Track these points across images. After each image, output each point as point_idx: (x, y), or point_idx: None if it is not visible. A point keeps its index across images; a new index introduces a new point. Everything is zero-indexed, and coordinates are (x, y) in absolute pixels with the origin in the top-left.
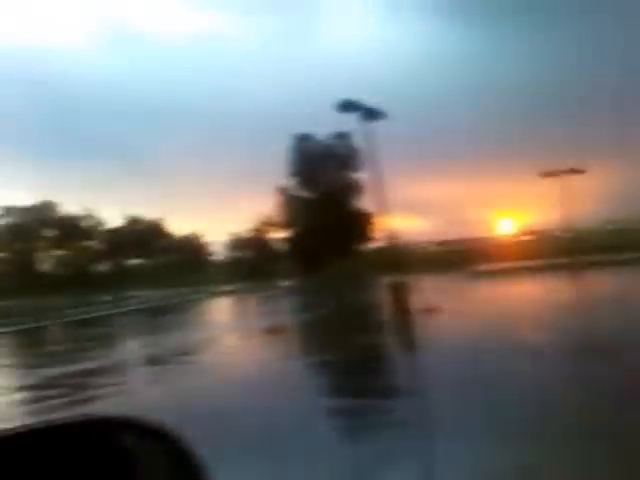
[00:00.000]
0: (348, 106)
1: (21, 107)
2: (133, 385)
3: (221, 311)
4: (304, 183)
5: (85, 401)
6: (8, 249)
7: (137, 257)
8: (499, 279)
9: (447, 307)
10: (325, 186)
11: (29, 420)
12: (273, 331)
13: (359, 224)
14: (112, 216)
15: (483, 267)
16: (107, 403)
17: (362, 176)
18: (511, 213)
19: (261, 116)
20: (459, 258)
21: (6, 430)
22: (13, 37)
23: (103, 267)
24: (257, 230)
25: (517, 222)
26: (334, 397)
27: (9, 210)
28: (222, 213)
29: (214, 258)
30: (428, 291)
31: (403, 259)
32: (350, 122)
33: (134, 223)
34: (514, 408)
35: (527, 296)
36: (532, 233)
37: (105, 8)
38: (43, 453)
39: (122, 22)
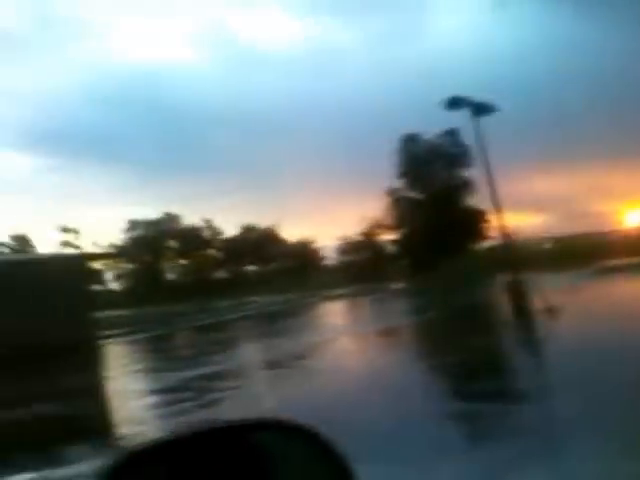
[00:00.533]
0: (456, 103)
1: (138, 126)
2: (255, 388)
3: (335, 314)
4: (413, 183)
5: (211, 404)
6: (136, 260)
7: (253, 264)
8: (624, 276)
9: (568, 306)
10: (435, 185)
11: (161, 423)
12: (388, 334)
13: (472, 222)
14: (229, 225)
15: (607, 263)
16: (231, 406)
17: (473, 173)
18: (633, 205)
19: (368, 118)
20: (580, 254)
21: (165, 436)
22: (125, 57)
23: (222, 274)
24: (367, 233)
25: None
26: (454, 401)
27: (135, 224)
28: (332, 218)
29: (326, 263)
30: (547, 290)
31: (519, 257)
32: (459, 119)
33: (249, 231)
34: None
35: None
36: None
37: (211, 22)
38: (201, 454)
39: (228, 34)
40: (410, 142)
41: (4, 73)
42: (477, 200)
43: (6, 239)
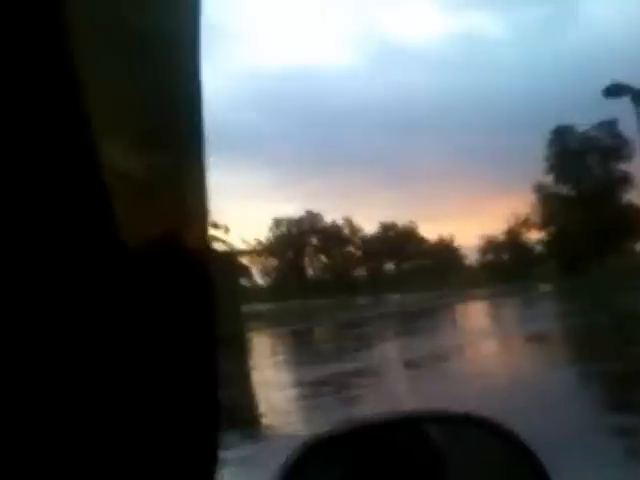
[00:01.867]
0: (616, 90)
1: (288, 125)
2: (393, 387)
3: (475, 315)
4: (564, 179)
5: (351, 400)
6: (280, 257)
7: (392, 261)
8: None
9: None
10: (589, 181)
11: (303, 415)
12: (535, 339)
13: (630, 221)
14: (369, 223)
15: None
16: (370, 403)
17: (632, 167)
18: None
19: (521, 112)
20: None
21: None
22: (283, 59)
23: (361, 272)
24: (512, 232)
25: None
26: (613, 413)
27: (279, 222)
28: (474, 217)
29: (468, 262)
30: None
31: None
32: (619, 110)
33: (388, 229)
34: None
35: None
36: None
37: (363, 22)
38: (380, 447)
39: (379, 33)
40: (563, 134)
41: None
42: (636, 196)
43: None
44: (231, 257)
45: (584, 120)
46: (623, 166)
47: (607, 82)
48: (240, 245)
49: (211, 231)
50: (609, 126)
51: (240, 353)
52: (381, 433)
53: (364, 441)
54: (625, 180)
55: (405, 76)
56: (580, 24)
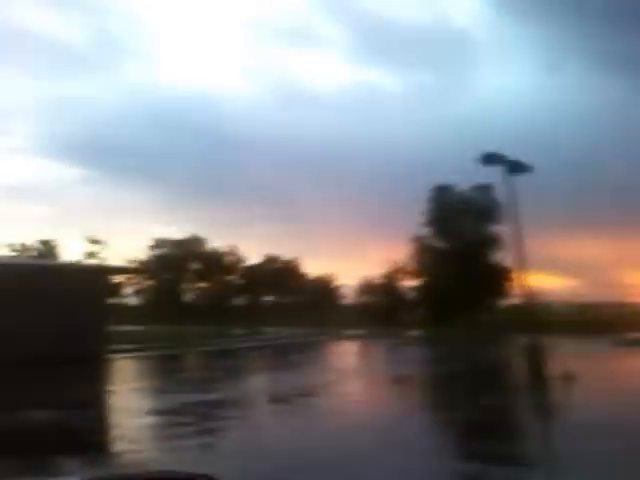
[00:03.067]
0: (491, 159)
1: (180, 148)
2: (254, 421)
3: (347, 354)
4: (440, 233)
5: (208, 431)
6: (156, 278)
7: (272, 294)
8: None
9: (586, 374)
10: (462, 237)
11: (154, 444)
12: (397, 381)
13: (495, 278)
14: (253, 254)
15: (630, 335)
16: (229, 436)
17: (502, 230)
18: None
19: (407, 164)
20: (603, 322)
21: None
22: (177, 81)
23: (240, 301)
24: (388, 276)
25: None
26: (457, 460)
27: (161, 242)
28: (355, 258)
29: (345, 301)
30: (566, 356)
31: (541, 319)
32: (495, 175)
33: (271, 261)
34: None
35: None
36: None
37: (267, 58)
38: None
39: (284, 72)
40: (442, 192)
41: (57, 84)
42: (503, 257)
43: (35, 244)
44: (102, 272)
45: (462, 181)
46: (493, 227)
47: (488, 148)
48: (115, 262)
49: (88, 245)
50: (485, 189)
51: (99, 374)
52: None
53: None
54: (494, 240)
55: (304, 115)
56: (469, 93)
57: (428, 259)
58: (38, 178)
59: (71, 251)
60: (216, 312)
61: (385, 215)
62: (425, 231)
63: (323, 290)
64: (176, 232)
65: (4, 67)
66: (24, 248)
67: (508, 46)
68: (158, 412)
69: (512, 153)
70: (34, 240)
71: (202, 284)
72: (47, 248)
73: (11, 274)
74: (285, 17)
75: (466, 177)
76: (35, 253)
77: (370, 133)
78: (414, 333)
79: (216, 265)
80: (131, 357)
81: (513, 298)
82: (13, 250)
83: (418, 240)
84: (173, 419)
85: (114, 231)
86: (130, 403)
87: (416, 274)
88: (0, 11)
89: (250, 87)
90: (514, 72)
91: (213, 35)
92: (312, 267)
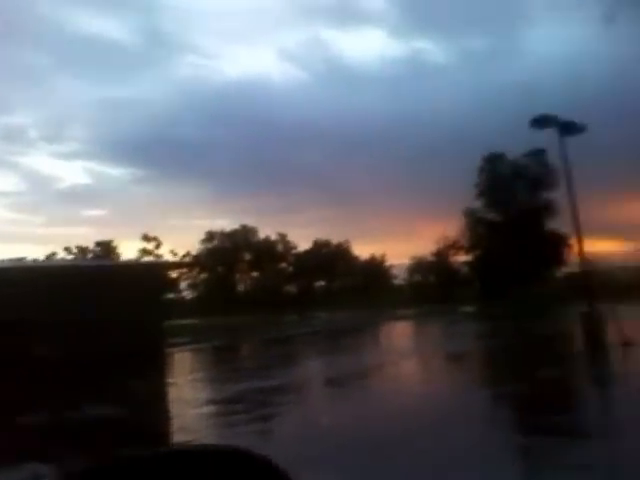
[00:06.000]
0: (543, 121)
1: (233, 139)
2: (310, 406)
3: (401, 335)
4: (492, 204)
5: (264, 418)
6: (210, 271)
7: (323, 279)
8: None
9: None
10: (515, 207)
11: (214, 432)
12: (453, 358)
13: (551, 247)
14: (303, 240)
15: None
16: (284, 420)
17: (556, 196)
18: None
19: (457, 137)
20: None
21: (139, 453)
22: (225, 75)
23: (292, 288)
24: (440, 254)
25: None
26: (519, 433)
27: (212, 235)
28: (406, 237)
29: (397, 281)
30: (625, 323)
31: (599, 286)
32: (547, 139)
33: (321, 246)
34: None
35: None
36: None
37: (311, 41)
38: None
39: (328, 53)
40: (493, 161)
41: (108, 87)
42: (559, 224)
43: (92, 245)
44: (158, 269)
45: (515, 148)
46: (548, 194)
47: (540, 111)
48: (170, 258)
49: (142, 243)
50: (537, 155)
51: (158, 369)
52: (149, 465)
53: (128, 476)
54: (549, 208)
55: (351, 96)
56: (519, 56)
57: (481, 232)
58: (92, 180)
59: (127, 250)
60: (269, 301)
61: (436, 191)
62: (477, 204)
63: (375, 272)
64: (227, 224)
65: (57, 72)
66: (81, 250)
67: (556, 2)
68: (217, 401)
69: (565, 114)
70: (91, 242)
71: (254, 274)
72: (104, 249)
73: (71, 276)
74: None
75: (519, 144)
76: (92, 255)
77: (418, 107)
78: (469, 309)
79: (267, 254)
80: (189, 350)
81: (571, 266)
82: (71, 253)
83: (470, 213)
84: (232, 407)
85: (168, 227)
86: (190, 394)
87: (469, 249)
88: (48, 14)
89: (295, 70)
90: (565, 28)
91: (257, 20)
92: (363, 249)
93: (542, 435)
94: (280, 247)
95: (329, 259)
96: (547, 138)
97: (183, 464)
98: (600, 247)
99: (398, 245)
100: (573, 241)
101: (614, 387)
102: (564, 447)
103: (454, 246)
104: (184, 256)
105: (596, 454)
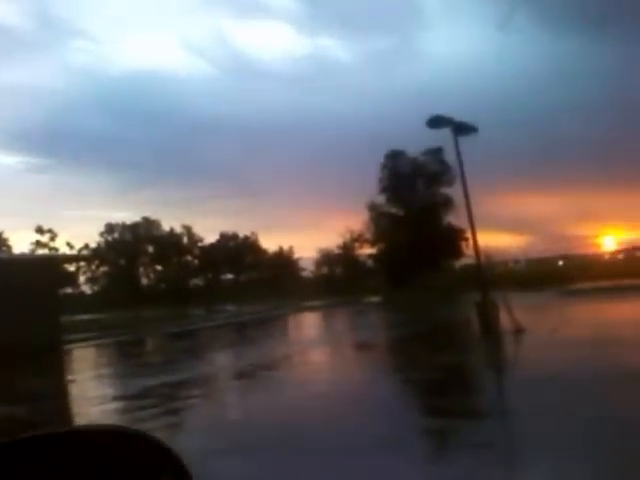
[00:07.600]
0: (438, 121)
1: (130, 131)
2: (218, 398)
3: (308, 326)
4: (394, 199)
5: (173, 412)
6: (110, 264)
7: (231, 272)
8: (596, 298)
9: (538, 327)
10: (415, 202)
11: None
12: (359, 347)
13: (449, 240)
14: (209, 233)
15: (579, 285)
16: (192, 415)
17: (453, 192)
18: (613, 229)
19: (360, 134)
20: (554, 275)
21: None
22: (125, 63)
23: (199, 281)
24: (347, 246)
25: (619, 238)
26: (420, 416)
27: (112, 227)
28: (313, 230)
29: (305, 274)
30: (518, 310)
31: (494, 276)
32: (443, 138)
33: (228, 239)
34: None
35: (623, 317)
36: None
37: (217, 35)
38: (36, 461)
39: (235, 47)
40: (394, 159)
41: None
42: (456, 218)
43: None
44: (51, 263)
45: (414, 146)
46: (446, 190)
47: (438, 111)
48: (66, 251)
49: (36, 235)
50: (435, 153)
51: (56, 365)
52: (28, 449)
53: (22, 453)
54: (447, 203)
55: (255, 89)
56: (420, 57)
57: (384, 226)
58: None
59: (19, 242)
60: (174, 294)
61: (341, 185)
62: (380, 198)
63: (282, 264)
64: (129, 216)
65: None
66: None
67: (456, 5)
68: (122, 398)
69: (461, 115)
70: None
71: (158, 267)
72: None
73: None
74: None
75: (419, 143)
76: None
77: (323, 103)
78: (374, 299)
79: (171, 247)
80: (88, 346)
81: (467, 258)
82: None
83: (373, 208)
84: (138, 403)
85: (64, 219)
86: (93, 391)
87: (373, 242)
88: None
89: (199, 64)
90: (462, 33)
91: (158, 11)
92: (270, 242)
93: (441, 416)
94: (185, 240)
95: (236, 252)
96: (444, 137)
97: (64, 446)
98: (494, 240)
99: (305, 238)
100: (469, 235)
101: (507, 371)
102: (462, 427)
103: (359, 239)
104: (81, 249)
105: (490, 432)
